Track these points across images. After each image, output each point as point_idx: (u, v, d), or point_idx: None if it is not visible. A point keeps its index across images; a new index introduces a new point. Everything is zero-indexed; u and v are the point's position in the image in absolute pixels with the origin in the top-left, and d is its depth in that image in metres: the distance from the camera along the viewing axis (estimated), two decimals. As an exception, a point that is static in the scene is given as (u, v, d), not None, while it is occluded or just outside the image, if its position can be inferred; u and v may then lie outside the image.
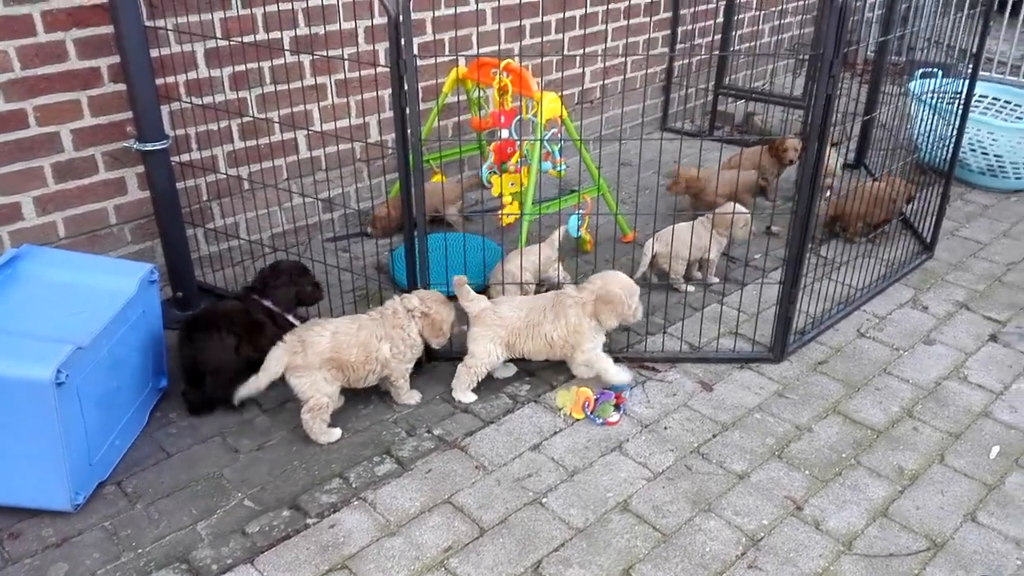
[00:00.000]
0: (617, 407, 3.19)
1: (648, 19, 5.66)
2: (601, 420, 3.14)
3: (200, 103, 3.72)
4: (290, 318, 3.32)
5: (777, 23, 6.74)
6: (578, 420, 3.17)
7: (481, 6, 4.69)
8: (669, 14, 5.78)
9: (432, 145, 4.51)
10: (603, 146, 5.58)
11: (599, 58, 5.44)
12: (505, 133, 3.91)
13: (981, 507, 2.78)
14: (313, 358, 2.98)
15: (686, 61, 6.05)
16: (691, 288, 4.03)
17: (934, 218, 4.37)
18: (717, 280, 4.11)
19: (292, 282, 3.33)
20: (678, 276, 3.98)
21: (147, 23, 3.45)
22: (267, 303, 3.27)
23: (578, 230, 4.18)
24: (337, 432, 3.07)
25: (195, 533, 2.65)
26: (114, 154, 3.63)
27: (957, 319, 3.83)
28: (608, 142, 5.47)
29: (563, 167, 4.13)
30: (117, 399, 2.90)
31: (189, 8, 3.60)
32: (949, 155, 4.29)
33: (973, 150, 5.13)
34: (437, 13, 4.45)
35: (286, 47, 3.92)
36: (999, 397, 3.32)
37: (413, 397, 3.27)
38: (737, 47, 6.40)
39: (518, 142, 3.96)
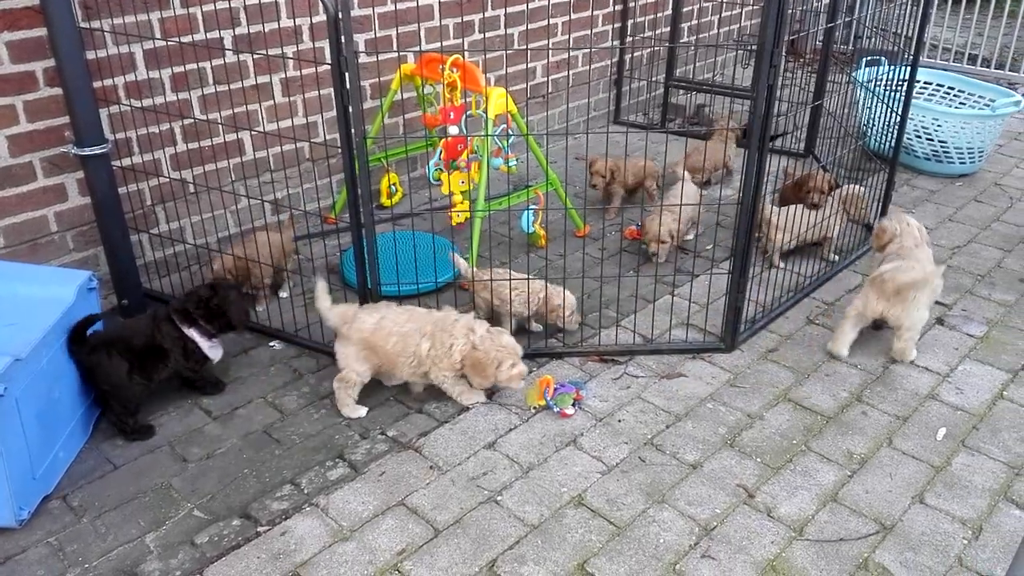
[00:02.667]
0: (575, 403, 3.19)
1: (591, 13, 5.67)
2: (558, 408, 3.15)
3: (140, 106, 3.65)
4: (205, 347, 3.15)
5: (727, 14, 6.79)
6: (539, 408, 3.18)
7: (427, 1, 4.65)
8: (619, 7, 5.79)
9: (383, 143, 4.48)
10: (556, 140, 5.58)
11: (548, 52, 5.43)
12: (454, 129, 3.89)
13: (929, 489, 2.83)
14: (354, 333, 3.07)
15: (636, 54, 6.07)
16: (782, 264, 4.18)
17: (880, 204, 4.44)
18: (836, 258, 4.27)
19: (219, 309, 3.14)
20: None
21: (82, 25, 3.38)
22: (185, 328, 3.11)
23: (531, 225, 4.18)
24: (362, 410, 3.15)
25: (143, 545, 2.59)
26: (52, 160, 3.54)
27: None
28: (562, 136, 5.47)
29: (514, 163, 4.12)
30: (59, 410, 2.83)
31: (126, 9, 3.52)
32: (894, 141, 4.36)
33: (918, 136, 5.21)
34: (384, 9, 4.41)
35: (228, 46, 3.86)
36: (945, 379, 3.38)
37: (473, 397, 3.20)
38: (686, 39, 6.43)
39: (468, 138, 3.94)
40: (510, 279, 3.47)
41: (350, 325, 3.10)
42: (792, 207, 4.07)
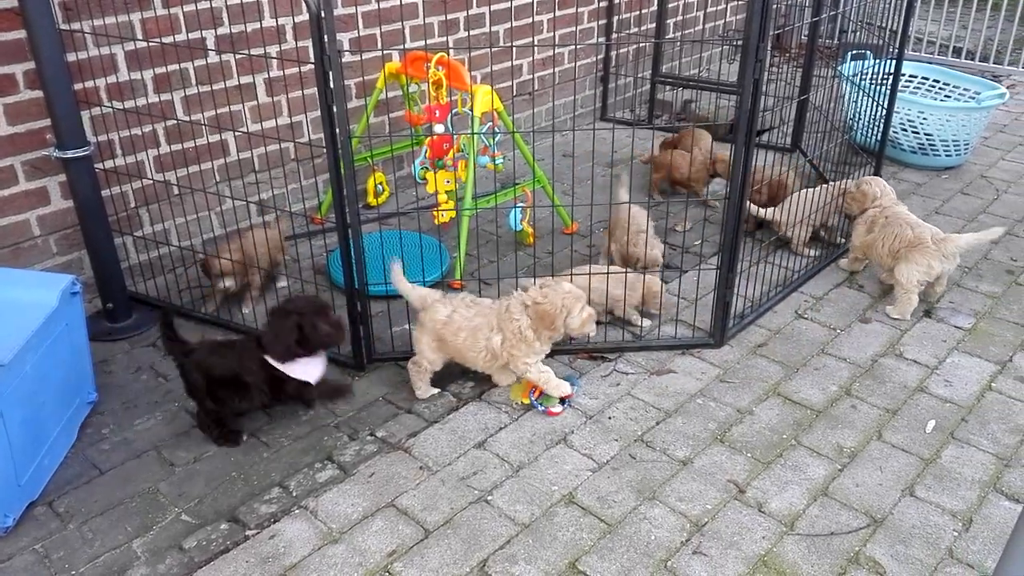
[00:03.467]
0: (563, 401, 3.18)
1: (576, 9, 5.65)
2: (544, 408, 3.14)
3: (122, 107, 3.61)
4: (297, 374, 2.89)
5: (712, 10, 6.79)
6: (524, 406, 3.16)
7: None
8: (605, 3, 5.78)
9: (368, 142, 4.45)
10: (543, 138, 5.57)
11: (534, 49, 5.42)
12: (440, 128, 3.87)
13: (919, 481, 2.83)
14: (428, 322, 3.12)
15: (623, 50, 6.06)
16: (814, 252, 4.27)
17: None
18: (843, 240, 4.32)
19: (294, 328, 2.84)
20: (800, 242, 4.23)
21: (62, 26, 3.34)
22: (265, 356, 2.88)
23: (519, 223, 4.16)
24: (434, 391, 3.24)
25: (131, 551, 2.57)
26: (34, 163, 3.50)
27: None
28: (548, 134, 5.45)
29: (501, 160, 4.11)
30: (44, 416, 2.80)
31: (106, 10, 3.49)
32: (880, 135, 4.36)
33: (904, 129, 5.22)
34: (367, 7, 4.39)
35: (211, 47, 3.83)
36: (934, 372, 3.39)
37: (562, 388, 3.15)
38: (672, 35, 6.43)
39: (454, 137, 3.92)
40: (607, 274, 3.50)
41: (426, 312, 3.13)
42: (795, 196, 4.12)
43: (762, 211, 4.22)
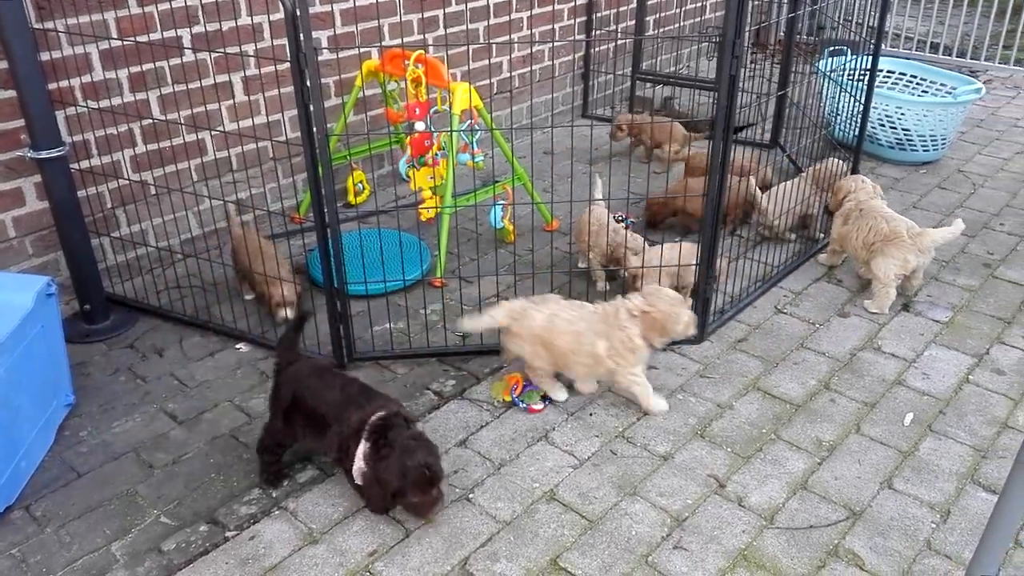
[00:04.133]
0: (544, 397, 3.18)
1: (554, 7, 5.65)
2: (525, 405, 3.14)
3: (98, 107, 3.58)
4: (356, 468, 2.58)
5: (691, 7, 6.81)
6: (505, 403, 3.16)
7: (390, -3, 4.62)
8: (584, 0, 5.79)
9: (347, 141, 4.43)
10: (523, 135, 5.57)
11: (514, 46, 5.42)
12: (420, 126, 3.86)
13: (897, 474, 2.85)
14: (525, 331, 3.03)
15: (602, 47, 6.07)
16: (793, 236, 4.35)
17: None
18: (822, 235, 4.38)
19: (402, 478, 2.50)
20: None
21: (35, 25, 3.31)
22: (353, 445, 2.59)
23: (500, 220, 4.16)
24: (564, 390, 3.18)
25: (109, 554, 2.55)
26: (8, 164, 3.46)
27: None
28: (529, 131, 5.45)
29: (481, 158, 4.10)
30: (20, 419, 2.77)
31: (80, 8, 3.45)
32: (857, 130, 4.39)
33: (882, 125, 5.26)
34: (344, 5, 4.37)
35: (187, 45, 3.80)
36: (912, 365, 3.41)
37: (659, 405, 3.09)
38: (652, 32, 6.44)
39: (434, 134, 3.91)
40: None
41: (520, 322, 3.04)
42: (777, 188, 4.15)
43: (760, 196, 4.25)
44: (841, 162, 4.37)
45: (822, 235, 4.36)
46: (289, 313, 3.52)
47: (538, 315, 3.03)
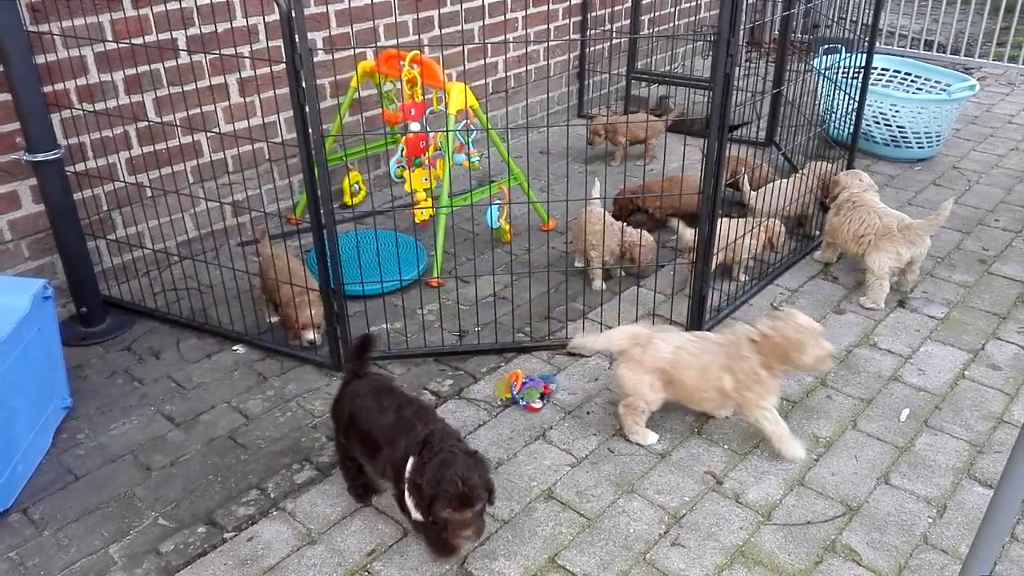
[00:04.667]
0: (543, 396, 3.19)
1: (549, 6, 5.66)
2: (525, 403, 3.14)
3: (93, 109, 3.58)
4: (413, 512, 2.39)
5: (686, 6, 6.82)
6: (506, 401, 3.17)
7: (385, -2, 4.62)
8: (579, 0, 5.80)
9: (343, 141, 4.44)
10: (519, 135, 5.58)
11: (509, 46, 5.42)
12: (416, 126, 3.86)
13: (893, 469, 2.86)
14: (648, 361, 2.86)
15: (597, 47, 6.07)
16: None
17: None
18: (818, 233, 4.36)
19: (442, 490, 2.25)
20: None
21: (30, 28, 3.30)
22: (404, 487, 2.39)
23: (497, 220, 4.16)
24: (653, 436, 2.96)
25: (107, 556, 2.55)
26: (3, 167, 3.46)
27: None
28: (525, 130, 5.46)
29: (477, 158, 4.11)
30: (17, 422, 2.77)
31: (75, 11, 3.45)
32: (852, 128, 4.40)
33: (877, 122, 5.27)
34: (340, 6, 4.37)
35: (182, 47, 3.81)
36: (908, 361, 3.42)
37: (794, 450, 2.85)
38: (647, 31, 6.45)
39: (430, 135, 3.91)
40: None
41: (644, 349, 2.87)
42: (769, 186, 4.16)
43: (750, 194, 4.25)
44: (829, 164, 4.37)
45: (817, 232, 4.37)
46: (315, 336, 3.43)
47: (664, 346, 2.86)
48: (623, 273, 3.97)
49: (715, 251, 3.43)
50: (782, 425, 2.86)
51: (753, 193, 4.24)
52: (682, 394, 2.92)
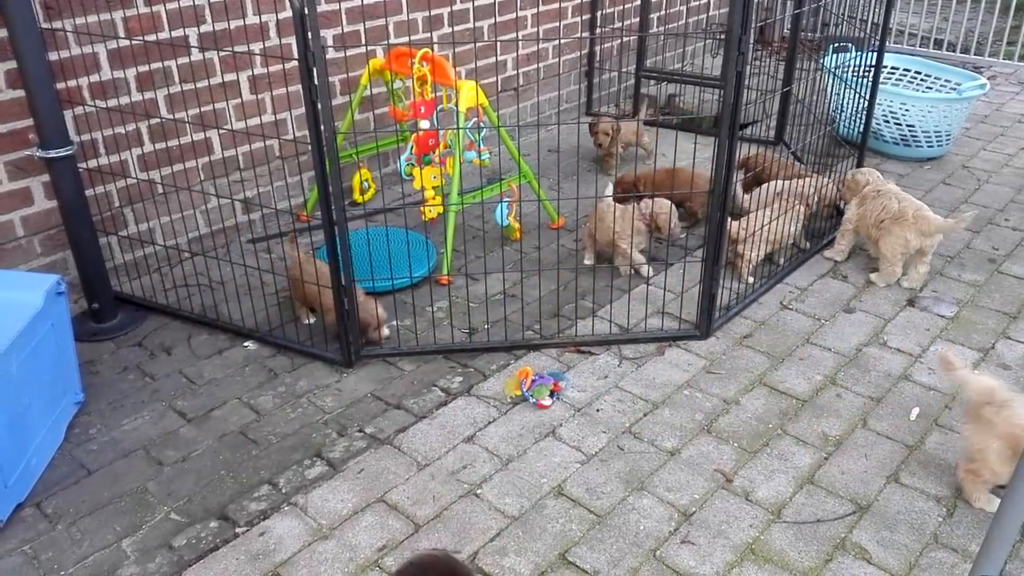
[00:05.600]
0: (552, 394, 3.20)
1: (559, 4, 5.66)
2: (534, 400, 3.15)
3: (105, 106, 3.60)
4: None
5: (695, 4, 6.81)
6: (515, 398, 3.17)
7: (395, -4, 4.63)
8: (587, -2, 5.80)
9: (353, 139, 4.45)
10: (528, 133, 5.58)
11: (519, 44, 5.42)
12: (425, 124, 3.87)
13: (903, 468, 2.86)
14: (1002, 425, 2.48)
15: (607, 45, 6.07)
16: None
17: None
18: (808, 244, 4.31)
19: None
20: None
21: (43, 25, 3.32)
22: None
23: (506, 218, 4.17)
24: (995, 502, 2.59)
25: (120, 551, 2.56)
26: (17, 163, 3.48)
27: (876, 287, 3.93)
28: (534, 129, 5.46)
29: (487, 156, 4.11)
30: (30, 417, 2.79)
31: (88, 8, 3.47)
32: (862, 127, 4.40)
33: (887, 121, 5.26)
34: (351, 4, 4.38)
35: (194, 44, 3.82)
36: (917, 360, 3.42)
37: None
38: (656, 29, 6.45)
39: (440, 132, 3.92)
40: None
41: (997, 410, 2.51)
42: (757, 190, 4.14)
43: (741, 195, 4.26)
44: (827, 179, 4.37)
45: (807, 244, 4.30)
46: (387, 330, 3.43)
47: (1021, 412, 2.47)
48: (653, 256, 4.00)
49: (725, 248, 3.43)
50: None
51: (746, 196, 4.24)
52: None
